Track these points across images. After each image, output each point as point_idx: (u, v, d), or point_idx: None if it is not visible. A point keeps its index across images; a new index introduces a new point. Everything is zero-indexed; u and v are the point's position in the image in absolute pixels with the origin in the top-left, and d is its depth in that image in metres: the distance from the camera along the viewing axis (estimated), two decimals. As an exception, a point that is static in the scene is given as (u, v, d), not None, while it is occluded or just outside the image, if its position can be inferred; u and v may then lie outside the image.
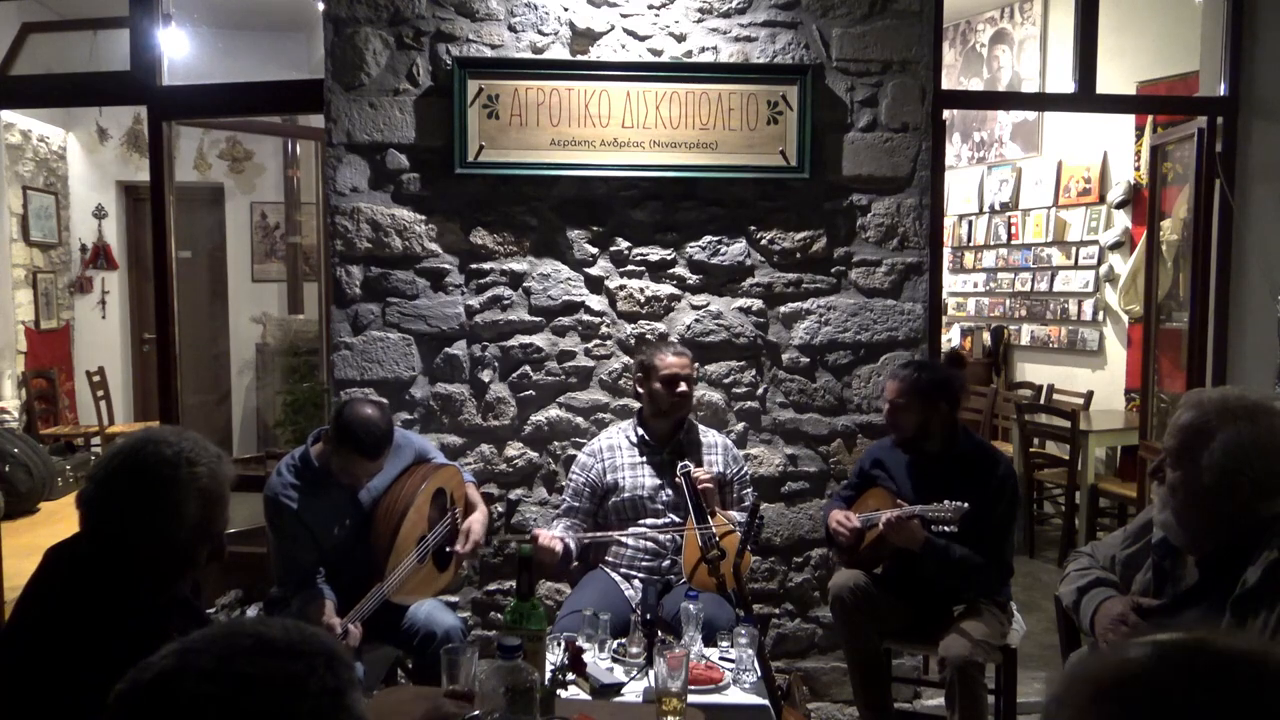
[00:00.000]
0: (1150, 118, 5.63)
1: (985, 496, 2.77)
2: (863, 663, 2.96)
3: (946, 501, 2.68)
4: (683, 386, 3.00)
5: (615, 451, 3.08)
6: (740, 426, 3.46)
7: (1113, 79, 5.27)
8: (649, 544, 2.98)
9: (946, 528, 2.68)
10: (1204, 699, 0.68)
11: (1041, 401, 6.17)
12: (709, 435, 3.16)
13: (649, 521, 3.01)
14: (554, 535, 2.89)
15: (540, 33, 3.32)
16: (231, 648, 0.81)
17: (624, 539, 3.01)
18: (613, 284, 3.41)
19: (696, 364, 3.41)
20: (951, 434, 2.90)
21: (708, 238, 3.40)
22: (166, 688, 0.79)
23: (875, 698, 2.98)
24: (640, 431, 3.10)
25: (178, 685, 0.79)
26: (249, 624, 0.85)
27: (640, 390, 3.10)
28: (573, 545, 2.96)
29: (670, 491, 3.01)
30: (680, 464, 2.96)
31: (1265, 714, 0.67)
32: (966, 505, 2.65)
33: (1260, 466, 1.61)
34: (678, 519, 2.99)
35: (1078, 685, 0.73)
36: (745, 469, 3.20)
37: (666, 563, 2.97)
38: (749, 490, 3.16)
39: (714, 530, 2.80)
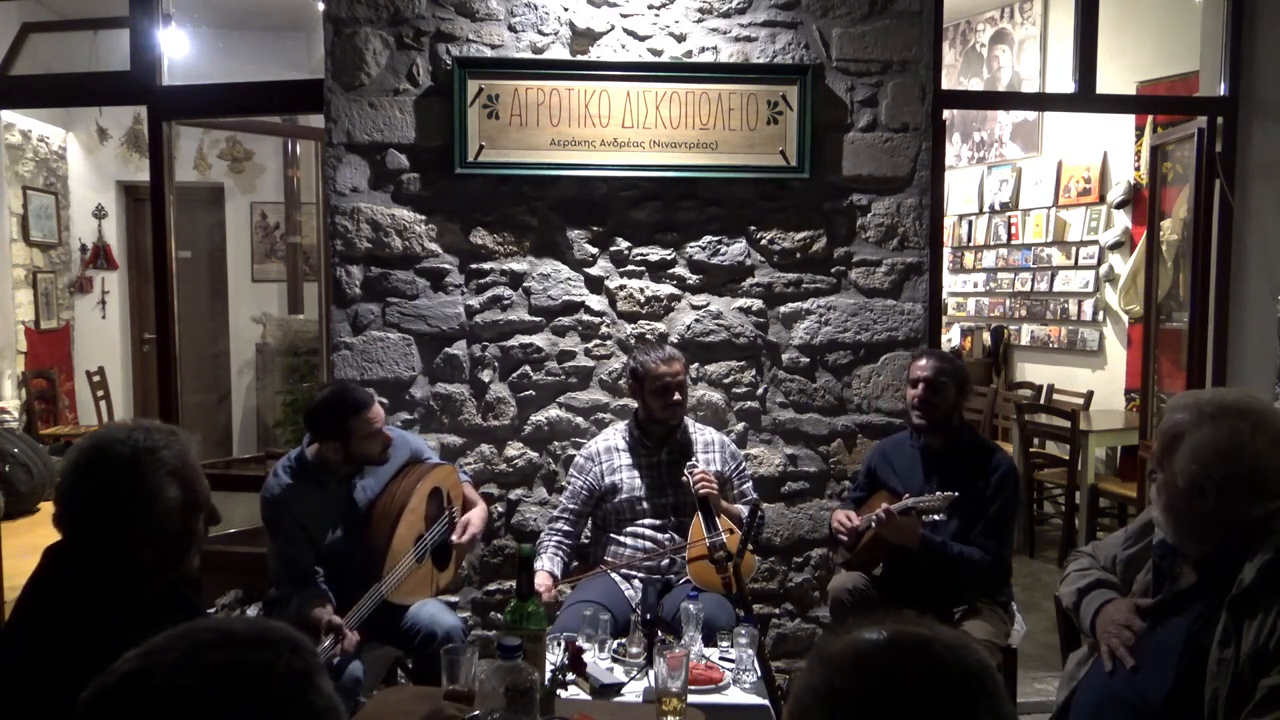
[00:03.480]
0: (1150, 118, 5.63)
1: (985, 490, 2.79)
2: None
3: (938, 492, 2.69)
4: (676, 395, 3.00)
5: (613, 453, 3.08)
6: (740, 426, 3.46)
7: (1113, 79, 5.27)
8: (648, 544, 2.98)
9: (936, 516, 2.69)
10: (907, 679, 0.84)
11: (1041, 401, 6.17)
12: (706, 433, 3.16)
13: (647, 521, 3.01)
14: (545, 584, 2.85)
15: (540, 33, 3.32)
16: (196, 643, 0.82)
17: (622, 539, 3.01)
18: (613, 284, 3.41)
19: (696, 364, 3.42)
20: (958, 427, 2.94)
21: (708, 238, 3.40)
22: (137, 686, 0.79)
23: None
24: (637, 433, 3.10)
25: (148, 682, 0.79)
26: (209, 621, 0.86)
27: (634, 394, 3.11)
28: (558, 571, 2.98)
29: (669, 492, 3.02)
30: (688, 464, 2.97)
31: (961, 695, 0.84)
32: (956, 494, 2.67)
33: (1221, 469, 1.61)
34: (675, 519, 3.00)
35: (820, 659, 0.89)
36: (744, 465, 3.20)
37: (666, 562, 2.97)
38: (749, 485, 3.16)
39: (721, 532, 2.81)
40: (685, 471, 2.96)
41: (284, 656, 0.82)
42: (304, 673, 0.82)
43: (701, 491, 2.88)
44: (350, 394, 2.70)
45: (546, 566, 2.95)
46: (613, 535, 3.04)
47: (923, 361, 2.96)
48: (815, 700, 0.87)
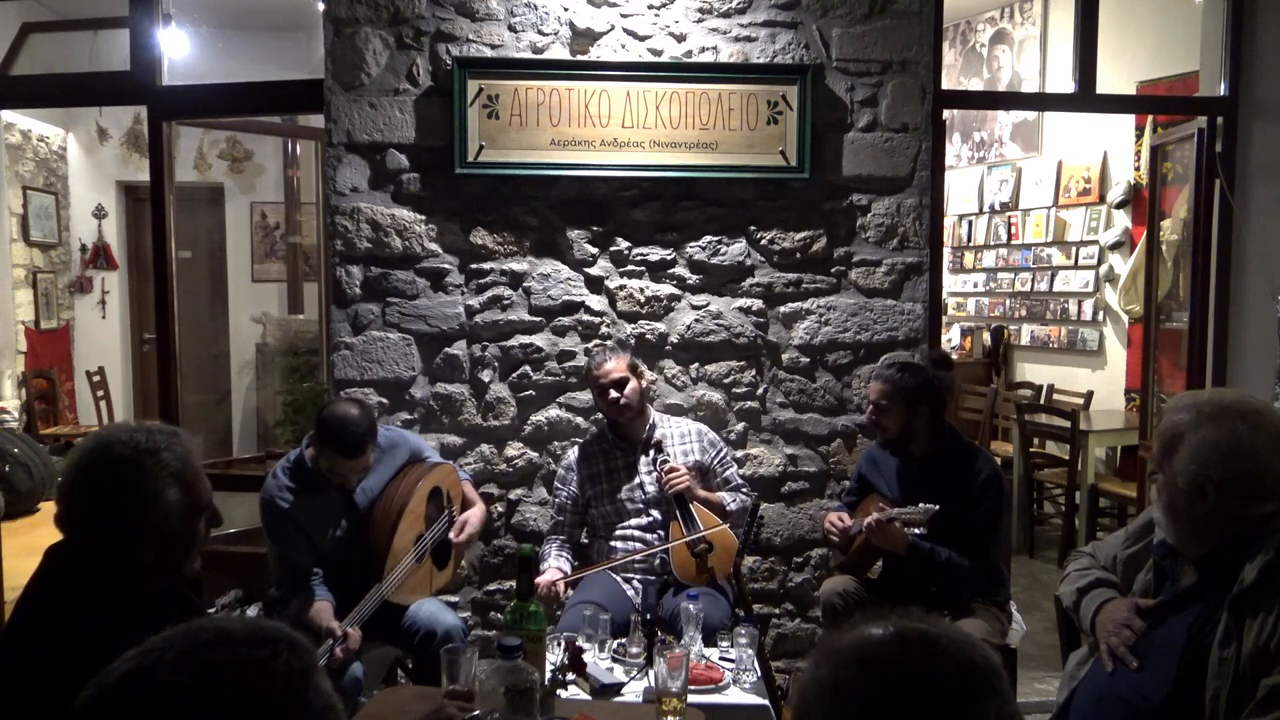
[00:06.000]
0: (1150, 118, 5.63)
1: (968, 497, 2.78)
2: None
3: (920, 504, 2.68)
4: (612, 394, 3.00)
5: (589, 461, 3.10)
6: (740, 426, 3.46)
7: (1113, 79, 5.28)
8: (638, 545, 2.99)
9: (918, 530, 2.68)
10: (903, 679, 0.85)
11: (1041, 401, 6.17)
12: (682, 425, 3.16)
13: (633, 522, 3.01)
14: (555, 579, 2.87)
15: (540, 33, 3.32)
16: (194, 642, 0.82)
17: (613, 542, 3.01)
18: (613, 284, 3.41)
19: (696, 364, 3.42)
20: (937, 435, 2.90)
21: (708, 238, 3.40)
22: (135, 685, 0.79)
23: None
24: (611, 435, 3.11)
25: (147, 681, 0.79)
26: (206, 621, 0.86)
27: None
28: (567, 568, 3.00)
29: (645, 490, 3.02)
30: (659, 458, 2.97)
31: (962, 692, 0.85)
32: (936, 507, 2.65)
33: (1222, 470, 1.61)
34: (658, 515, 3.00)
35: (826, 653, 0.90)
36: (725, 451, 3.19)
37: (658, 562, 2.97)
38: (733, 471, 3.16)
39: (699, 522, 2.82)
40: (656, 468, 2.96)
41: (282, 655, 0.82)
42: (302, 671, 0.82)
43: (675, 489, 2.89)
44: (344, 435, 2.59)
45: (555, 563, 2.98)
46: (603, 540, 3.05)
47: (873, 384, 2.93)
48: (820, 694, 0.87)
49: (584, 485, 3.06)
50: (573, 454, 3.15)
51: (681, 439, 3.11)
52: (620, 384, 3.00)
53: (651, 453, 3.01)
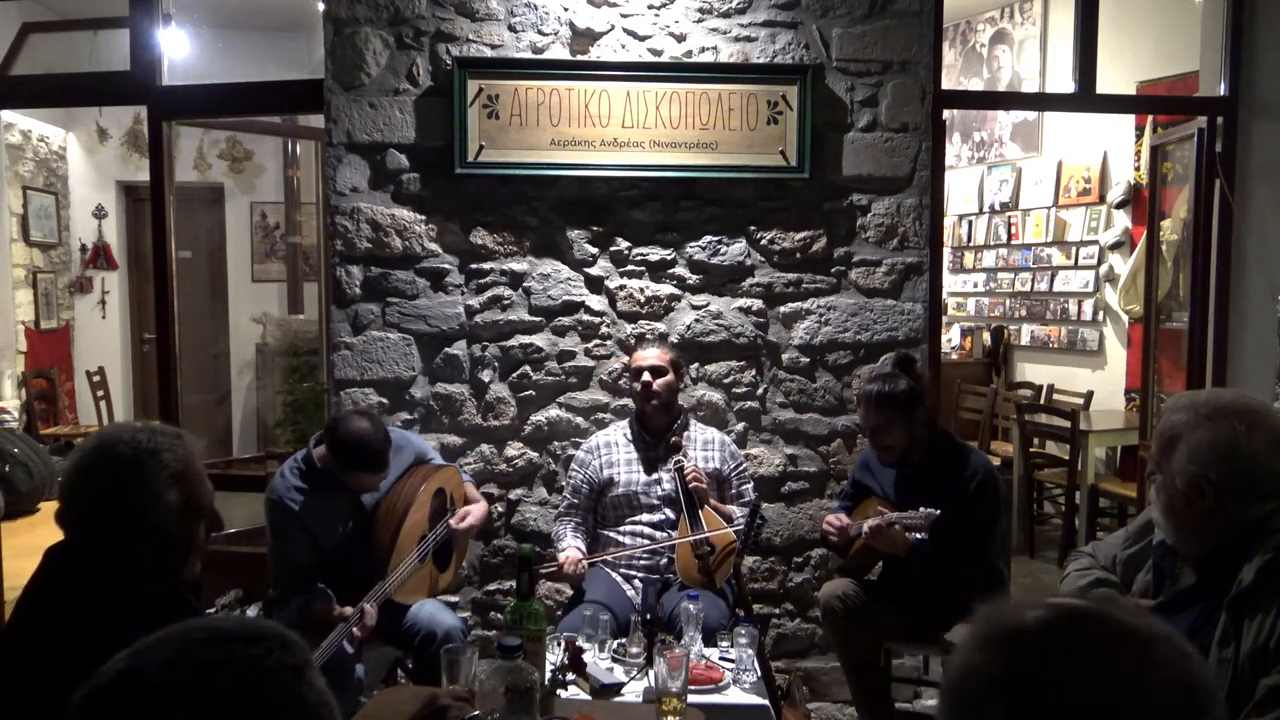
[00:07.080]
0: (1150, 118, 5.62)
1: (965, 499, 2.77)
2: (859, 669, 2.97)
3: (921, 509, 2.68)
4: (647, 377, 3.03)
5: (611, 448, 3.11)
6: (740, 426, 3.46)
7: (1113, 79, 5.27)
8: (644, 541, 2.99)
9: (919, 534, 2.68)
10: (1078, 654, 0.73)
11: (1041, 401, 6.17)
12: (707, 432, 3.17)
13: (644, 517, 3.02)
14: (579, 558, 2.91)
15: (540, 33, 3.32)
16: (186, 641, 0.82)
17: (620, 538, 3.02)
18: (613, 284, 3.41)
19: (696, 364, 3.42)
20: (930, 439, 2.89)
21: (708, 238, 3.41)
22: (130, 684, 0.79)
23: (874, 700, 2.99)
24: (636, 427, 3.12)
25: (141, 680, 0.79)
26: (197, 621, 0.86)
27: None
28: (584, 548, 3.02)
29: (663, 486, 3.03)
30: (674, 459, 2.98)
31: (1128, 675, 0.72)
32: (937, 512, 2.65)
33: (1220, 470, 1.61)
34: (671, 513, 3.00)
35: (983, 631, 0.78)
36: (744, 465, 3.21)
37: (664, 561, 2.98)
38: (748, 486, 3.17)
39: (705, 526, 2.83)
40: (671, 466, 2.98)
41: (275, 652, 0.82)
42: (295, 668, 0.82)
43: (692, 485, 2.90)
44: (369, 453, 2.61)
45: (573, 542, 3.00)
46: (608, 533, 3.05)
47: (862, 410, 2.90)
48: (980, 688, 0.74)
49: (604, 469, 3.08)
50: (598, 438, 3.17)
51: (704, 446, 3.12)
52: (656, 371, 3.05)
53: (672, 454, 3.03)
